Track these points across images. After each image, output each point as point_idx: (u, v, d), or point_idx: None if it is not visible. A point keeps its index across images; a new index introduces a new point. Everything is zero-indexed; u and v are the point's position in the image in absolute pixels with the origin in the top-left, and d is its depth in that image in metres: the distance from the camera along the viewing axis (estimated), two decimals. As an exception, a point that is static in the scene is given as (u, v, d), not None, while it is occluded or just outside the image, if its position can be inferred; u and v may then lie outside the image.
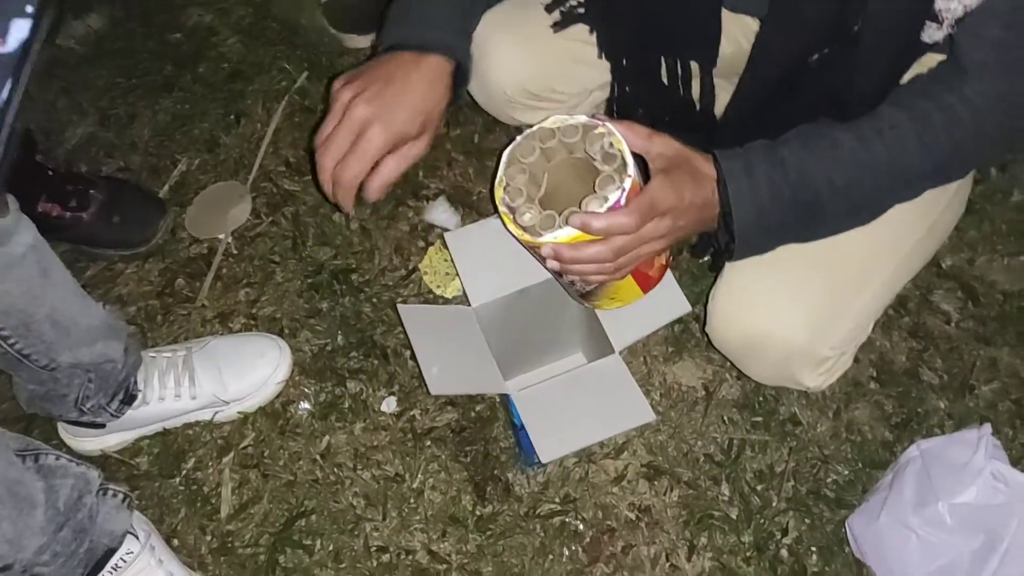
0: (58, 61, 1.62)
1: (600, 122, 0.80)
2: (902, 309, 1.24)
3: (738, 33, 0.96)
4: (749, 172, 0.81)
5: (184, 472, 1.16)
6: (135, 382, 1.12)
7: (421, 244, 1.35)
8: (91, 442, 1.16)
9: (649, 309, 1.00)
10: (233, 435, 1.18)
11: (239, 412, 1.19)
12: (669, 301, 1.00)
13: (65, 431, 1.17)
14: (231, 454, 1.17)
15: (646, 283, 0.94)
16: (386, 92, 0.87)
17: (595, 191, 0.77)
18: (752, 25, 0.94)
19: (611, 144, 0.79)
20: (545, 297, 1.04)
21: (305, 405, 1.21)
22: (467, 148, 1.44)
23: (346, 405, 1.20)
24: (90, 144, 1.50)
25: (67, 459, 0.95)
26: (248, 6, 1.66)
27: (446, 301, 1.28)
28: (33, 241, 0.92)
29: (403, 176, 0.90)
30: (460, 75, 0.92)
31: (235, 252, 1.36)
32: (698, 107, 1.00)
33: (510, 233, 0.82)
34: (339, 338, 1.26)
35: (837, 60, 0.84)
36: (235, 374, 1.18)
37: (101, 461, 1.16)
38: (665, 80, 0.99)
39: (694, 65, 0.97)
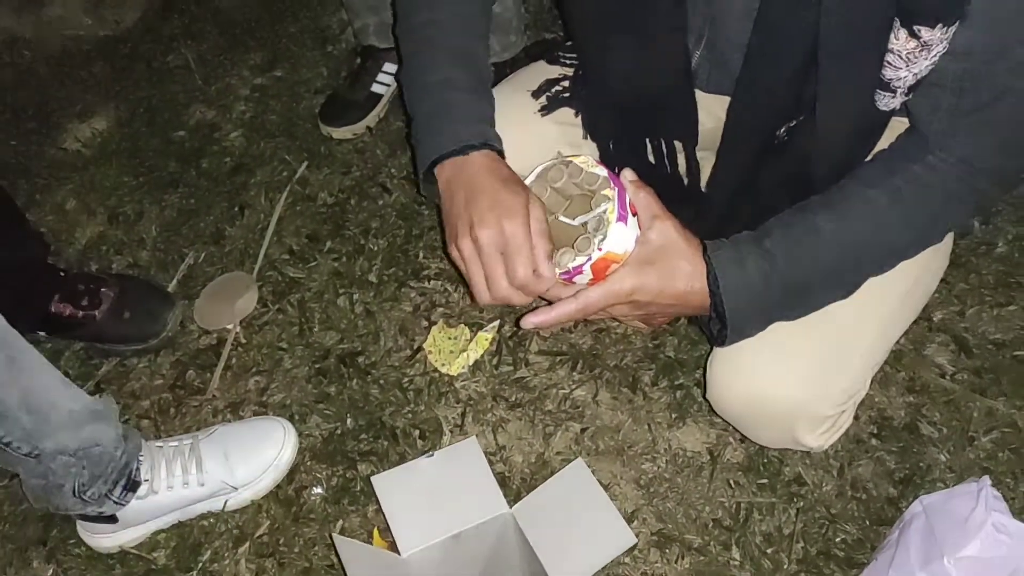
0: (66, 164, 1.69)
1: (613, 186, 0.83)
2: (897, 364, 1.27)
3: (717, 108, 1.00)
4: (740, 263, 0.84)
5: (201, 564, 1.17)
6: (138, 469, 1.14)
7: (424, 324, 1.38)
8: (108, 538, 1.18)
9: (592, 545, 1.02)
10: (248, 524, 1.20)
11: (251, 500, 1.21)
12: (613, 534, 1.02)
13: (83, 529, 1.19)
14: (247, 544, 1.18)
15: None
16: (475, 203, 0.85)
17: (573, 245, 0.82)
18: (727, 102, 0.99)
19: (607, 211, 0.82)
20: (480, 541, 1.01)
21: (318, 490, 1.23)
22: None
23: (358, 488, 1.22)
24: (100, 243, 1.55)
25: None
26: (248, 101, 1.73)
27: (452, 379, 1.31)
28: None
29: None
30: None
31: (244, 341, 1.39)
32: (686, 182, 1.05)
33: None
34: (348, 421, 1.29)
35: (804, 131, 0.88)
36: (242, 458, 1.20)
37: (120, 557, 1.18)
38: (651, 159, 1.03)
39: (678, 144, 1.01)
